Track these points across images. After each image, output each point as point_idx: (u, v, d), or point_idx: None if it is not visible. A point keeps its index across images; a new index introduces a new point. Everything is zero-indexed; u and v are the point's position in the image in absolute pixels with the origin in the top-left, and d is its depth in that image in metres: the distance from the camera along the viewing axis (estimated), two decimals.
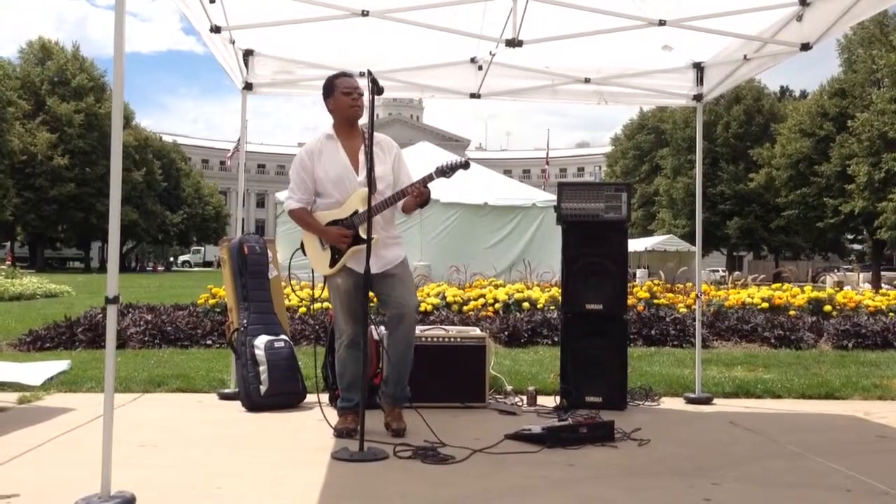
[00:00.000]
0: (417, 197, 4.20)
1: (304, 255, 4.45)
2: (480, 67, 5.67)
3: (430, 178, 4.22)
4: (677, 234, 43.82)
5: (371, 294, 4.25)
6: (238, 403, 5.12)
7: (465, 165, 4.32)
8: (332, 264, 4.29)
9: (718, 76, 5.70)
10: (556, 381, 5.59)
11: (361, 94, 4.30)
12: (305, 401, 5.26)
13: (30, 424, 4.43)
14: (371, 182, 4.05)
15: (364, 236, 4.12)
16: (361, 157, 4.27)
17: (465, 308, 10.30)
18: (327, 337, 5.43)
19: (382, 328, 5.18)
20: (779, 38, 4.90)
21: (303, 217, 4.36)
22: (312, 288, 4.58)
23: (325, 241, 4.31)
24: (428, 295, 10.46)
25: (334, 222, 4.29)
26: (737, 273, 24.19)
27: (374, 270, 4.15)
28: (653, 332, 8.93)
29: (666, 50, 5.38)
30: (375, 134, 4.36)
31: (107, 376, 3.01)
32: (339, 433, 4.26)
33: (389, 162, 4.37)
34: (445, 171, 4.21)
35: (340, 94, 4.29)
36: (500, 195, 16.16)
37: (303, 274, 5.30)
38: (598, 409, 4.78)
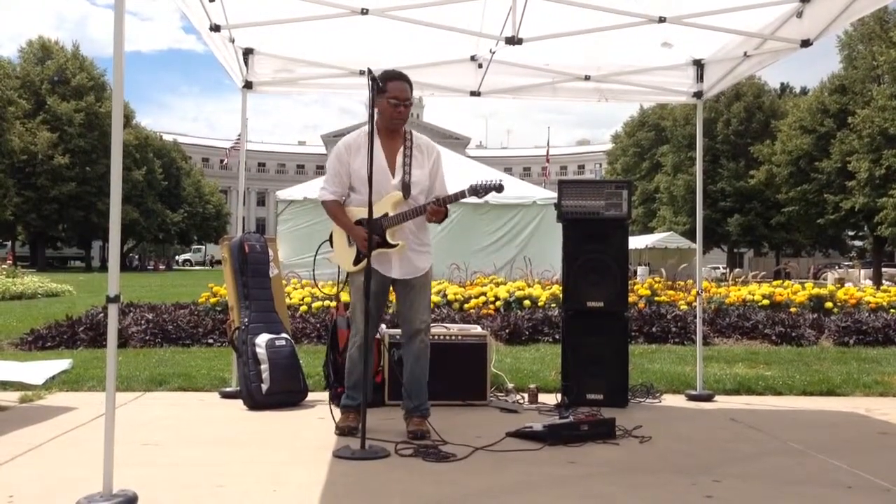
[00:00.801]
0: (433, 215, 4.16)
1: (332, 246, 4.40)
2: (480, 65, 5.67)
3: (462, 194, 4.19)
4: (678, 231, 43.83)
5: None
6: (240, 402, 5.13)
7: (499, 188, 4.30)
8: (356, 262, 4.26)
9: (719, 73, 5.69)
10: (557, 378, 5.59)
11: (409, 106, 4.26)
12: (307, 399, 5.26)
13: (31, 424, 4.43)
14: (371, 185, 4.03)
15: (392, 241, 4.13)
16: (399, 159, 4.23)
17: (466, 306, 10.31)
18: (328, 335, 5.43)
19: (383, 326, 5.19)
20: (779, 34, 4.89)
21: (334, 210, 4.29)
22: (338, 283, 4.48)
23: (352, 239, 4.27)
24: None
25: (363, 221, 4.22)
26: (738, 270, 24.20)
27: (399, 276, 4.19)
28: (654, 329, 8.93)
29: (666, 47, 5.38)
30: (417, 136, 4.35)
31: (108, 375, 3.01)
32: (342, 431, 4.25)
33: (427, 167, 4.31)
34: (478, 191, 4.22)
35: (387, 101, 4.21)
36: (500, 193, 16.13)
37: (304, 272, 5.30)
38: (600, 407, 4.77)
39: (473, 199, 4.22)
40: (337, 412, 4.49)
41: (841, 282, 18.10)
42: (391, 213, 4.17)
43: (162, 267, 64.05)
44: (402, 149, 4.26)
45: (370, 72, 4.04)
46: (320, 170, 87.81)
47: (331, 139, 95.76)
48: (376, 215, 4.16)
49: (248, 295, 5.38)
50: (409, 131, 4.34)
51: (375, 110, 4.20)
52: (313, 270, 4.72)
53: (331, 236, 4.43)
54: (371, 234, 4.01)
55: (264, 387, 5.06)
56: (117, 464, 2.98)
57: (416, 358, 4.34)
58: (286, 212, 15.71)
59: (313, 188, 16.71)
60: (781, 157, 41.95)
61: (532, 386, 5.50)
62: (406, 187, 4.17)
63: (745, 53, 5.23)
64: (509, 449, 3.98)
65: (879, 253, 41.88)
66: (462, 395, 5.16)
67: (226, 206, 73.35)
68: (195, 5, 4.55)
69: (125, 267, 52.88)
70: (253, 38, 5.43)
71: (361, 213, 4.21)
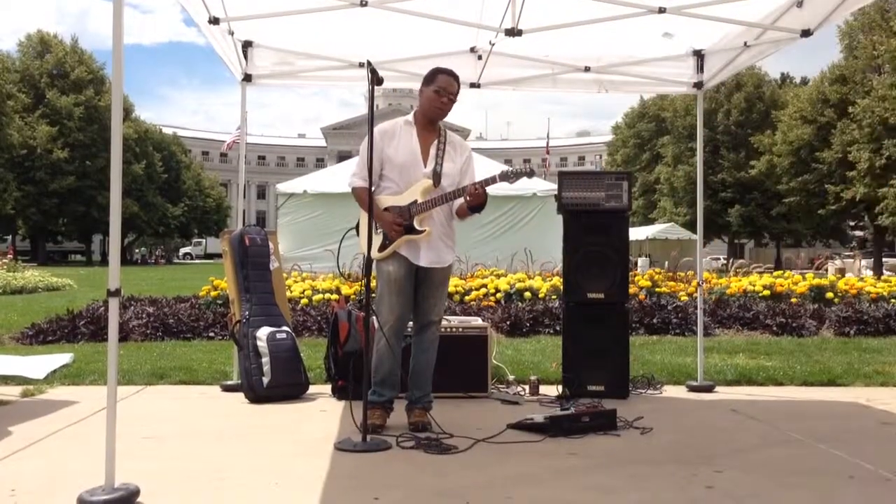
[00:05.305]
0: (473, 198, 4.10)
1: (357, 234, 4.34)
2: (480, 57, 5.65)
3: (492, 180, 4.15)
4: (678, 222, 43.77)
5: None
6: (241, 395, 5.13)
7: (530, 174, 4.30)
8: (382, 249, 4.22)
9: (719, 63, 5.68)
10: (558, 370, 5.59)
11: (452, 101, 4.27)
12: (308, 392, 5.27)
13: (33, 417, 4.44)
14: (371, 177, 4.03)
15: (419, 228, 4.14)
16: (432, 150, 4.24)
17: (467, 298, 10.31)
18: (329, 328, 5.43)
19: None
20: (779, 24, 4.88)
21: (363, 196, 4.19)
22: (367, 275, 4.34)
23: (378, 226, 4.20)
24: None
25: (391, 208, 4.21)
26: (741, 261, 24.17)
27: (426, 263, 4.18)
28: (654, 320, 8.93)
29: (666, 37, 5.36)
30: (451, 134, 4.36)
31: (109, 369, 3.01)
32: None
33: (459, 162, 4.32)
34: (508, 177, 4.20)
35: (433, 90, 4.23)
36: (500, 185, 16.09)
37: (304, 265, 5.29)
38: (601, 398, 4.78)
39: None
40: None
41: (841, 272, 18.11)
42: (420, 201, 4.16)
43: (162, 260, 64.04)
44: (436, 141, 4.27)
45: (369, 64, 4.02)
46: (320, 163, 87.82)
47: (331, 132, 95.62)
48: (406, 202, 4.17)
49: (249, 288, 5.39)
50: (443, 127, 4.36)
51: (420, 98, 4.30)
52: (338, 258, 4.66)
53: (357, 224, 4.38)
54: (371, 224, 3.99)
55: (265, 380, 5.06)
56: (119, 457, 2.98)
57: (425, 350, 4.33)
58: (286, 205, 15.69)
59: (313, 181, 16.71)
60: (782, 147, 41.88)
61: (533, 377, 5.50)
62: (437, 176, 4.18)
63: (746, 43, 5.22)
64: (510, 441, 3.99)
65: (880, 243, 41.86)
66: (463, 387, 5.17)
67: (226, 199, 73.28)
68: None
69: (125, 261, 52.86)
70: (252, 30, 5.41)
71: (388, 201, 4.21)
